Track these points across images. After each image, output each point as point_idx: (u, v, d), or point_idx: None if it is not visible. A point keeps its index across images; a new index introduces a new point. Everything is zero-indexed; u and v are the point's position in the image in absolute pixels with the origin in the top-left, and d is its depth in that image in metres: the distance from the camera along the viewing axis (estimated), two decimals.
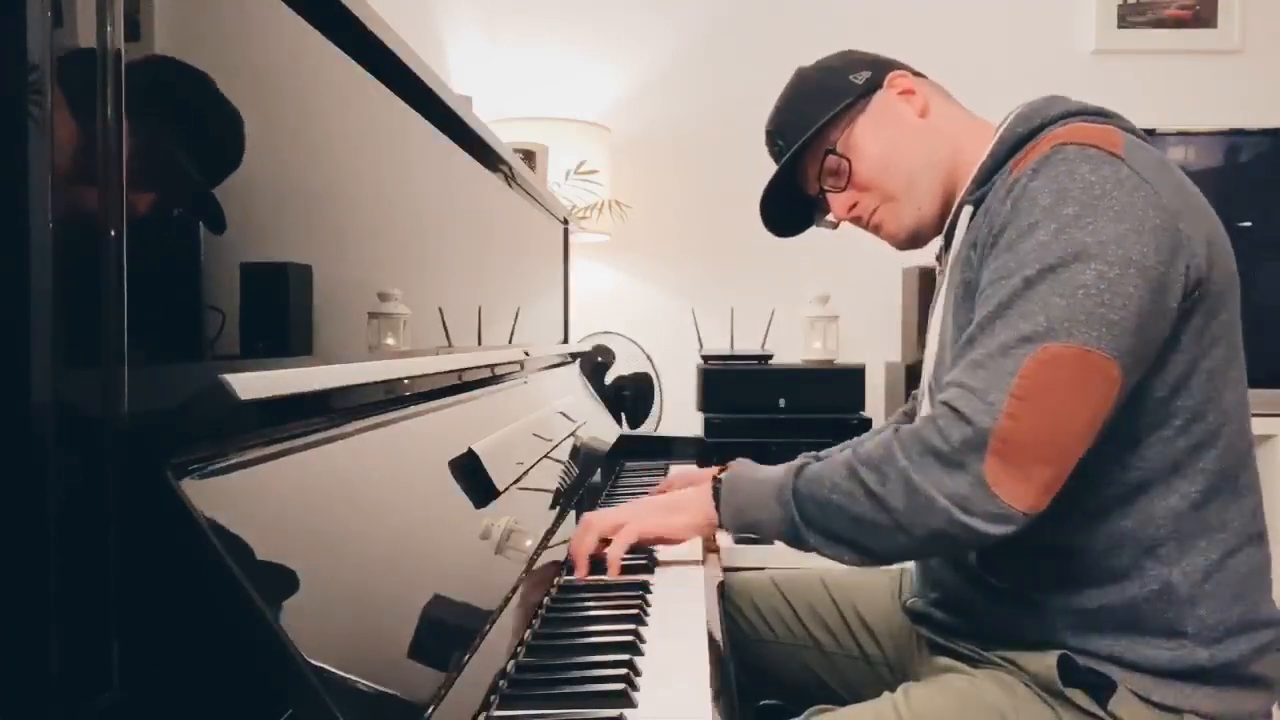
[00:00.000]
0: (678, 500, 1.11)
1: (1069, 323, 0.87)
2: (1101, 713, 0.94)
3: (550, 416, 1.46)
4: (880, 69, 1.17)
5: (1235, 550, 0.96)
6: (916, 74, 1.19)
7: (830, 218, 1.22)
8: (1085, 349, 0.87)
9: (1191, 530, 0.95)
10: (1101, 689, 0.94)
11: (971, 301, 1.00)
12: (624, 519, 1.11)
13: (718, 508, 1.05)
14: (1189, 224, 0.93)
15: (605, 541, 1.11)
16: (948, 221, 1.12)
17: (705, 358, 2.42)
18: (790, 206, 1.25)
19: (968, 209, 1.06)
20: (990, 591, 1.02)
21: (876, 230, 1.19)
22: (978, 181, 1.06)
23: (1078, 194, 0.91)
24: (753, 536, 1.08)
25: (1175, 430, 0.94)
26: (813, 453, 1.02)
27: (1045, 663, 0.96)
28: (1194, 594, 0.94)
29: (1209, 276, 0.94)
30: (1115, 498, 0.95)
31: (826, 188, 1.18)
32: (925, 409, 1.11)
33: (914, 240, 1.17)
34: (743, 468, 1.07)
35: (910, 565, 1.22)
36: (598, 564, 1.11)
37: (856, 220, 1.19)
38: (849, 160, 1.15)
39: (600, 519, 1.13)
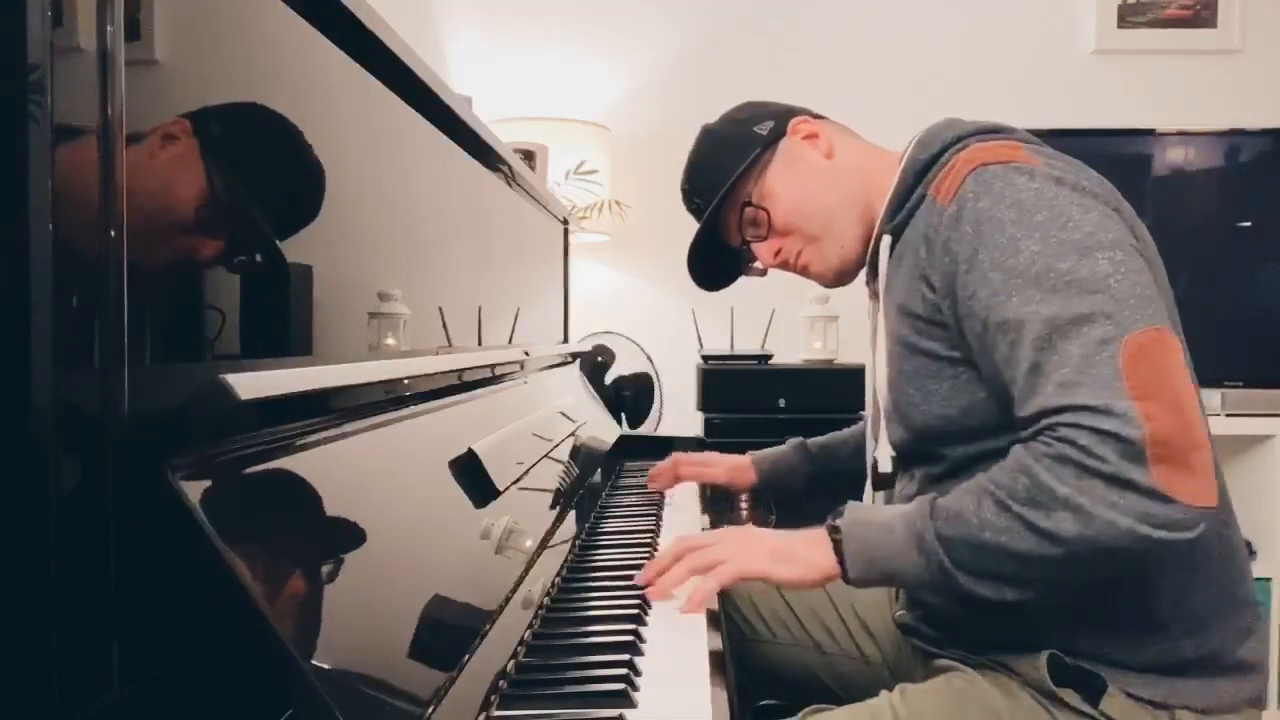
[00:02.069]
0: (788, 549, 0.99)
1: (1126, 311, 0.87)
2: (1094, 712, 0.94)
3: (550, 416, 1.46)
4: (783, 117, 1.20)
5: (1203, 534, 0.96)
6: (817, 116, 1.22)
7: (757, 265, 1.24)
8: (1154, 328, 0.87)
9: None
10: (1092, 688, 0.94)
11: (935, 330, 1.00)
12: (724, 557, 1.00)
13: (842, 561, 0.95)
14: (1120, 208, 0.97)
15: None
16: (869, 253, 1.15)
17: (705, 358, 2.42)
18: (716, 260, 1.28)
19: (887, 239, 1.09)
20: (971, 601, 1.02)
21: (804, 272, 1.21)
22: (891, 211, 1.09)
23: (1033, 201, 0.93)
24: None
25: None
26: (931, 495, 0.95)
27: (1035, 664, 0.96)
28: (1167, 583, 0.95)
29: (1146, 259, 0.96)
30: None
31: (749, 238, 1.21)
32: (883, 438, 1.13)
33: (841, 277, 1.20)
34: (861, 513, 0.97)
35: None
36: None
37: (784, 265, 1.22)
38: (766, 209, 1.18)
39: (699, 554, 1.01)
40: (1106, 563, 0.86)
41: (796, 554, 0.98)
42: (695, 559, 1.01)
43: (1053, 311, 0.88)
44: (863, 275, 1.20)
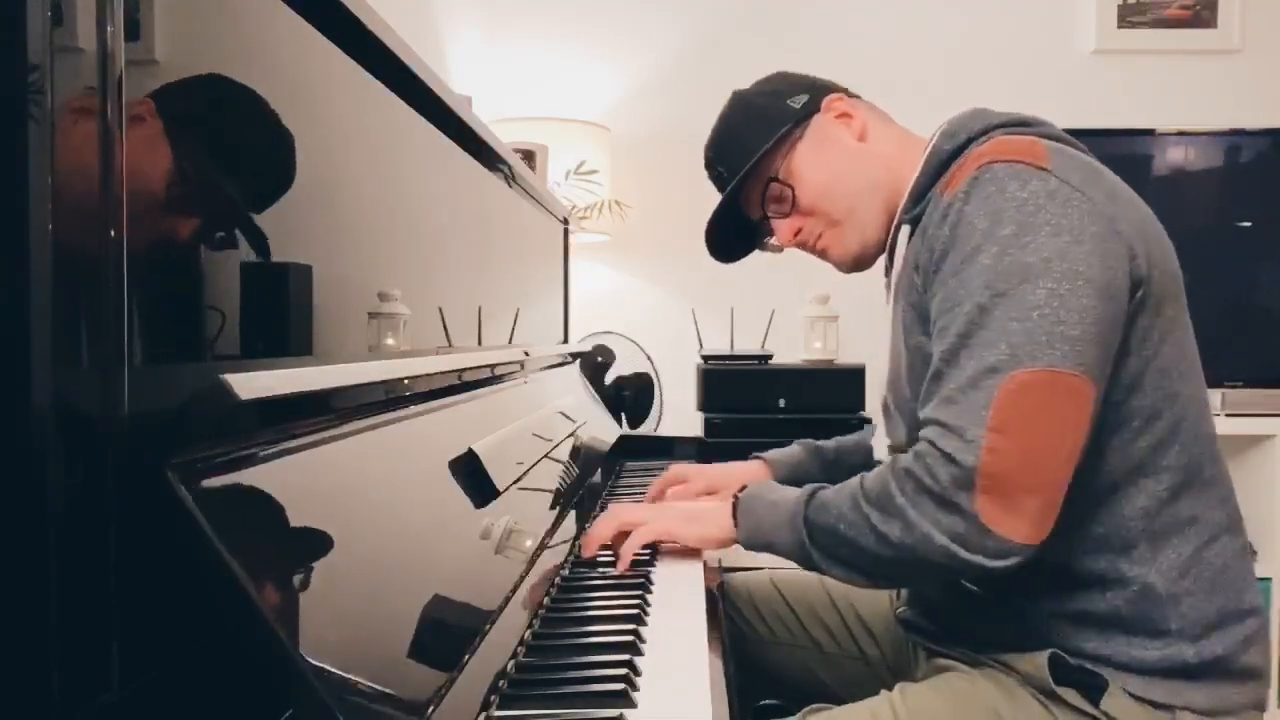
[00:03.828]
0: (699, 511, 1.13)
1: (1031, 346, 0.88)
2: (1095, 711, 0.94)
3: (550, 416, 1.46)
4: (817, 92, 1.18)
5: (1209, 543, 0.97)
6: (851, 95, 1.20)
7: (774, 241, 1.23)
8: (1053, 370, 0.88)
9: (1163, 529, 0.95)
10: (1093, 688, 0.94)
11: (923, 325, 1.01)
12: (647, 518, 1.13)
13: (737, 524, 1.07)
14: (1125, 225, 0.94)
15: (624, 534, 1.14)
16: (888, 241, 1.14)
17: (705, 358, 2.42)
18: (734, 231, 1.26)
19: (905, 228, 1.08)
20: (974, 600, 1.03)
21: (823, 254, 1.20)
22: (912, 200, 1.08)
23: (1012, 213, 0.92)
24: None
25: (1134, 432, 0.95)
26: (819, 484, 1.03)
27: (1036, 663, 0.97)
28: (1173, 591, 0.95)
29: (1150, 275, 0.95)
30: (1084, 504, 0.95)
31: (770, 214, 1.19)
32: (881, 430, 1.14)
33: (859, 263, 1.19)
34: (761, 489, 1.08)
35: None
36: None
37: (802, 245, 1.20)
38: (792, 187, 1.15)
39: (626, 512, 1.16)
40: (936, 572, 0.92)
41: (706, 517, 1.11)
42: (624, 516, 1.15)
43: (968, 328, 0.91)
44: (881, 265, 1.19)
